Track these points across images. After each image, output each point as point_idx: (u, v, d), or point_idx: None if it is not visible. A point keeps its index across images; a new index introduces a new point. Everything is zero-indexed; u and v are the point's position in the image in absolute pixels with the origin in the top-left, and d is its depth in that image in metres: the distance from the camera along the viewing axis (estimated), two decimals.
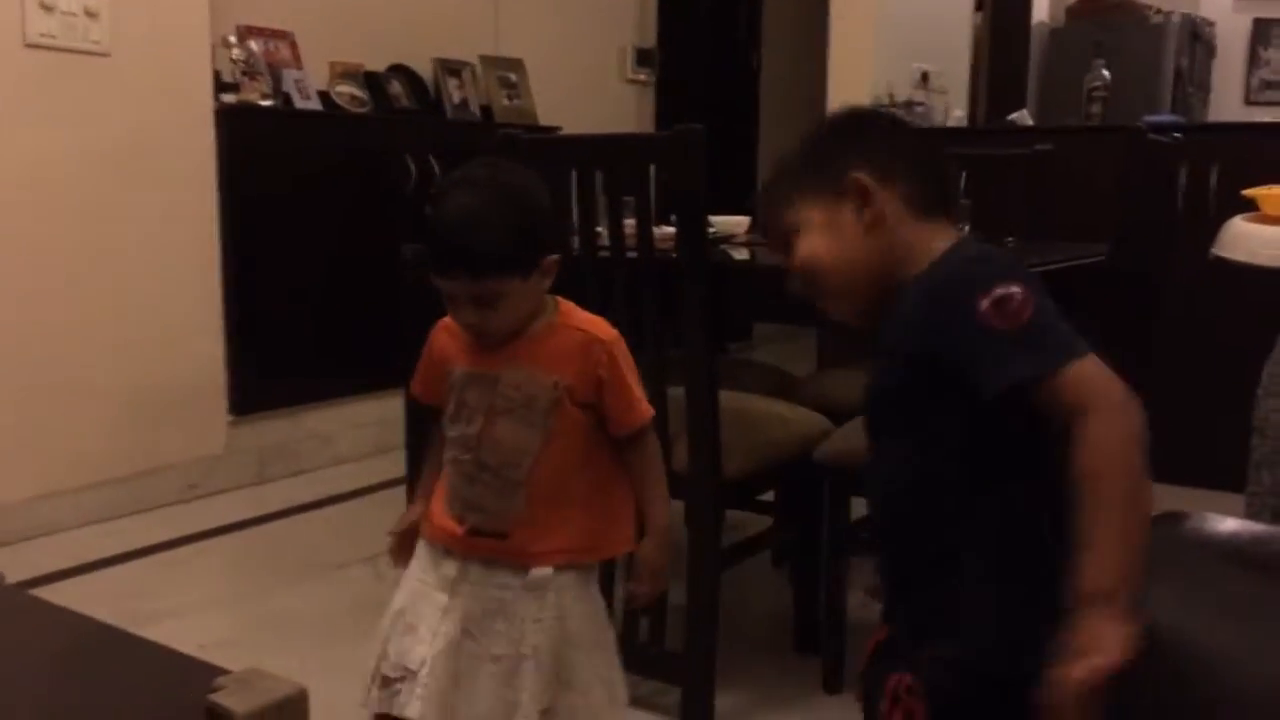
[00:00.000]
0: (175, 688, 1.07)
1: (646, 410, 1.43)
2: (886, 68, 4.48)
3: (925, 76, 4.53)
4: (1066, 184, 2.73)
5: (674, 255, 1.82)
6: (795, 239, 1.11)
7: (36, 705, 1.03)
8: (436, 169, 3.75)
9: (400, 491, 2.33)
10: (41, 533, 2.78)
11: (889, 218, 1.07)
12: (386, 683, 1.41)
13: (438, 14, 4.17)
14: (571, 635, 1.42)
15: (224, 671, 1.07)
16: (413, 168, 3.70)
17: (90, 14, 2.87)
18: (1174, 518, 1.48)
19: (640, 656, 1.99)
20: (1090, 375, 0.94)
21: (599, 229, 1.90)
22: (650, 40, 5.25)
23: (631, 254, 1.84)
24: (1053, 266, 2.02)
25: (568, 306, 1.44)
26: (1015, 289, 0.96)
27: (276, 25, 3.59)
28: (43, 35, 2.79)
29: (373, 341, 3.54)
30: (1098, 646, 0.85)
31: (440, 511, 1.46)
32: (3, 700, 1.14)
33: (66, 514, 2.85)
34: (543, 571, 1.40)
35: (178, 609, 2.37)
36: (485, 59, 4.30)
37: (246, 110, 3.31)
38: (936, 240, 1.08)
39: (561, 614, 1.41)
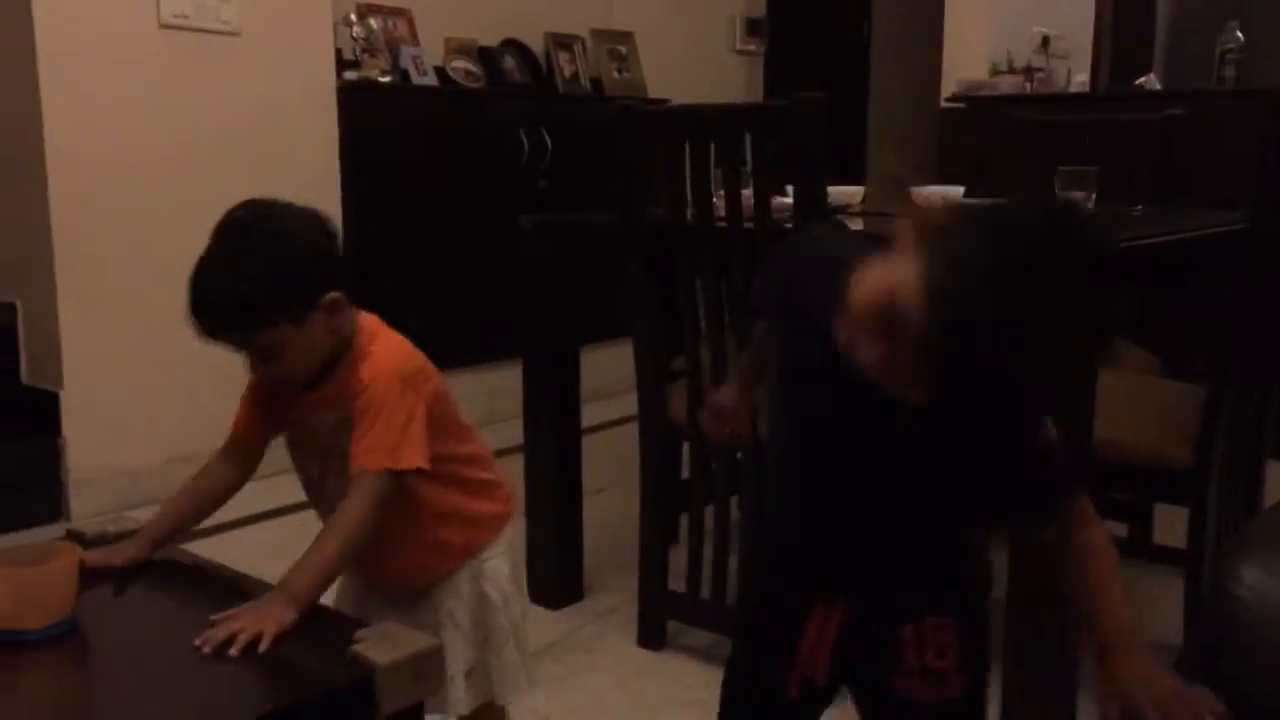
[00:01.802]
0: (319, 639, 1.13)
1: (377, 461, 1.26)
2: (1004, 33, 4.35)
3: (1046, 41, 4.39)
4: (1201, 150, 2.63)
5: (789, 226, 1.81)
6: None
7: (192, 651, 1.09)
8: (549, 142, 3.79)
9: (515, 460, 2.37)
10: None
11: None
12: None
13: None
14: (486, 598, 1.45)
15: (364, 625, 1.12)
16: (525, 141, 3.74)
17: None
18: None
19: (702, 610, 2.03)
20: (1086, 500, 1.07)
21: (715, 199, 1.90)
22: (760, 10, 5.20)
23: (747, 224, 1.84)
24: (1179, 236, 1.95)
25: (367, 336, 1.35)
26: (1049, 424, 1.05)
27: (394, 3, 3.66)
28: (176, 16, 2.90)
29: (486, 312, 3.61)
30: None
31: None
32: (152, 642, 1.21)
33: None
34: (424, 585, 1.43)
35: None
36: (596, 32, 4.31)
37: (367, 86, 3.39)
38: None
39: (476, 576, 1.44)
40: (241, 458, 1.43)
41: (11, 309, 2.91)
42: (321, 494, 1.40)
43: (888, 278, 0.91)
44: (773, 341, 1.19)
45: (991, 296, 0.86)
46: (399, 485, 1.29)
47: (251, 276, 1.24)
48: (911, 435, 1.01)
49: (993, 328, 0.87)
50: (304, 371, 1.32)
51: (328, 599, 1.29)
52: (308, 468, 1.41)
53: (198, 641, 1.09)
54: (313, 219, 1.33)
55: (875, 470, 1.07)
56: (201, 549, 1.39)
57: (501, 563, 1.47)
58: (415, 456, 1.29)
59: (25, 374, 2.91)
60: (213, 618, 1.12)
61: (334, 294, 1.30)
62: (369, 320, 1.38)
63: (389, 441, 1.28)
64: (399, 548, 1.37)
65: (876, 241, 0.99)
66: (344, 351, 1.34)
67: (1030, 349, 0.90)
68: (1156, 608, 2.13)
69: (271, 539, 2.57)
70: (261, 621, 1.12)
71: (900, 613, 1.12)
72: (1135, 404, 2.00)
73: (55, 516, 2.75)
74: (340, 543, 1.24)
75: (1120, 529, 2.40)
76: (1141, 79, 3.95)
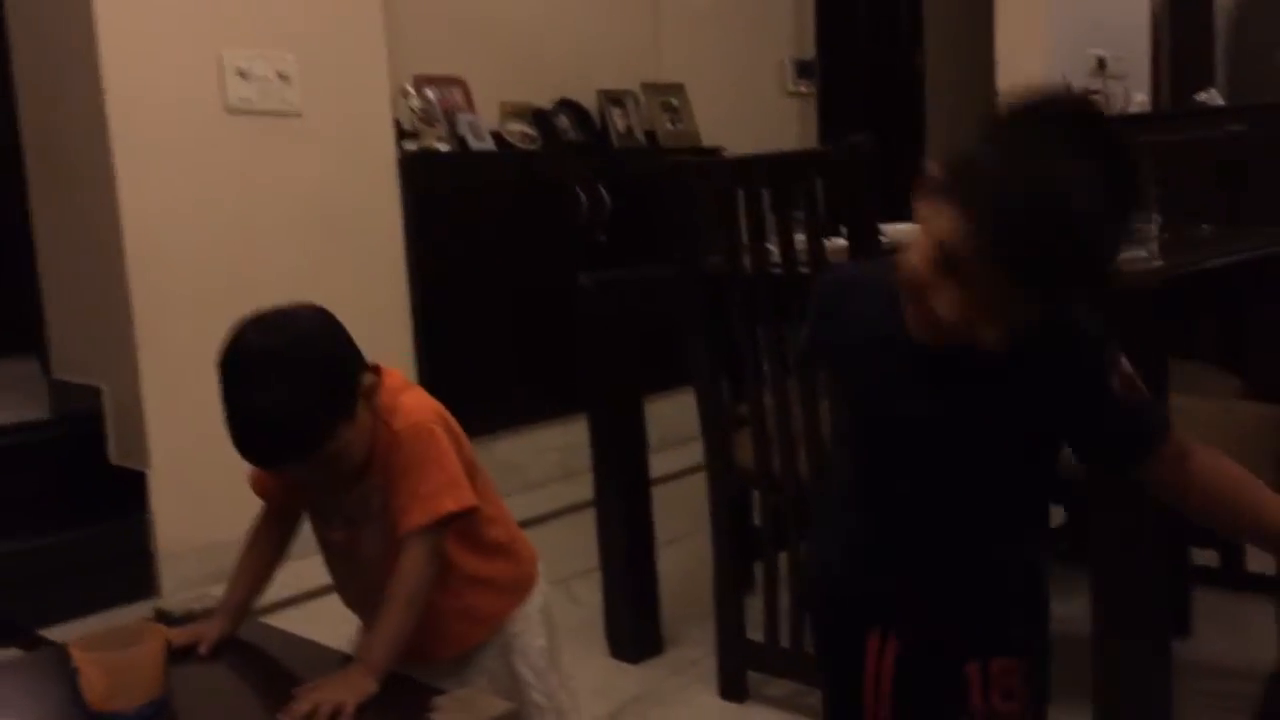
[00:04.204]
0: (395, 706, 1.15)
1: (418, 518, 1.26)
2: (1058, 57, 4.32)
3: (1101, 63, 4.35)
4: (1265, 166, 2.57)
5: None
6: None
7: None
8: (606, 197, 3.84)
9: (588, 515, 2.39)
10: None
11: None
12: None
13: (600, 47, 4.27)
14: (517, 675, 1.43)
15: (439, 692, 1.14)
16: (583, 198, 3.80)
17: (283, 78, 3.08)
18: None
19: (782, 659, 2.00)
20: (1179, 437, 1.06)
21: (769, 246, 1.91)
22: (809, 51, 5.23)
23: (803, 268, 1.84)
24: (1250, 256, 1.90)
25: (389, 395, 1.31)
26: (1122, 358, 1.04)
27: (450, 73, 3.75)
28: (241, 100, 3.01)
29: (554, 368, 3.65)
30: None
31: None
32: (239, 716, 1.24)
33: None
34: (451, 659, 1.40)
35: None
36: (647, 86, 4.37)
37: (426, 156, 3.48)
38: None
39: (505, 652, 1.43)
40: (281, 520, 1.45)
41: (98, 393, 3.01)
42: (353, 563, 1.37)
43: (927, 236, 0.97)
44: (836, 378, 1.21)
45: (1034, 188, 0.90)
46: (445, 536, 1.30)
47: (307, 399, 1.22)
48: (992, 397, 1.03)
49: (1027, 199, 0.90)
50: (361, 458, 1.30)
51: None
52: (333, 535, 1.38)
53: (281, 716, 1.11)
54: (315, 311, 1.30)
55: (951, 455, 1.06)
56: (282, 621, 1.42)
57: (533, 636, 1.45)
58: (466, 496, 1.29)
59: (113, 454, 3.01)
60: (295, 691, 1.15)
61: (369, 377, 1.29)
62: (392, 376, 1.36)
63: (436, 489, 1.27)
64: (429, 616, 1.31)
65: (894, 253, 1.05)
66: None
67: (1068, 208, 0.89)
68: (1249, 635, 2.06)
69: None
70: (343, 693, 1.14)
71: (963, 648, 1.09)
72: (1217, 429, 1.95)
73: (147, 592, 2.83)
74: (407, 605, 1.24)
75: (1211, 558, 2.33)
76: (1202, 94, 3.89)
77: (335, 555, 1.41)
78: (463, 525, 1.33)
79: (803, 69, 5.16)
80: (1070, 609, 1.88)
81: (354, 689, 1.15)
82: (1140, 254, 1.84)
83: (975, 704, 1.08)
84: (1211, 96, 3.90)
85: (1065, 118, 0.94)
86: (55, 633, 2.55)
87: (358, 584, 1.39)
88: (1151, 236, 2.08)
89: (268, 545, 1.44)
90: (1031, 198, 0.90)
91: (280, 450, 1.25)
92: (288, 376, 1.21)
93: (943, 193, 0.95)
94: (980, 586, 1.10)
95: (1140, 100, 4.32)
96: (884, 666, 1.11)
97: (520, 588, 1.47)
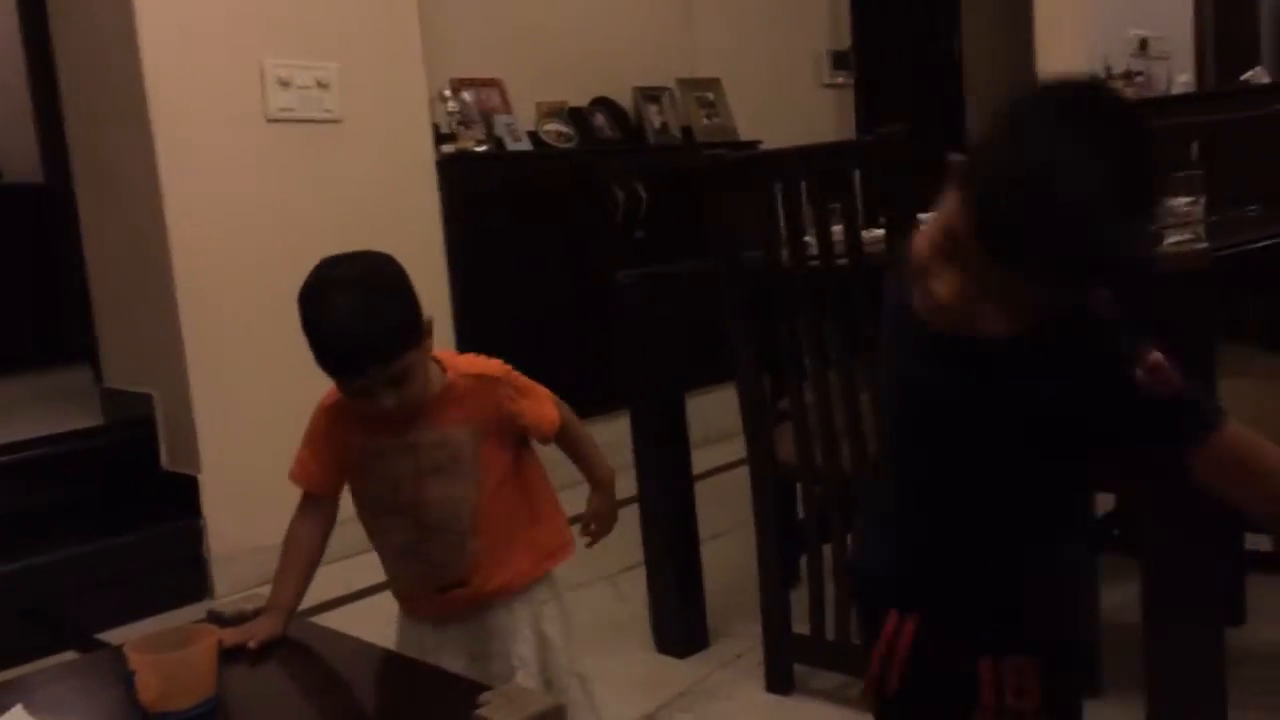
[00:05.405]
0: (442, 703, 1.16)
1: (554, 412, 1.55)
2: (1099, 39, 4.26)
3: (1144, 43, 4.28)
4: None
5: (886, 257, 1.80)
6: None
7: (319, 719, 1.13)
8: (643, 194, 3.84)
9: (632, 511, 2.40)
10: None
11: None
12: None
13: (634, 44, 4.28)
14: (547, 639, 1.52)
15: (486, 688, 1.15)
16: (620, 195, 3.80)
17: (322, 86, 3.12)
18: None
19: (828, 652, 1.97)
20: (1234, 429, 1.00)
21: (807, 238, 1.90)
22: (845, 42, 5.20)
23: (841, 260, 1.84)
24: None
25: (448, 359, 1.51)
26: (1157, 353, 0.98)
27: (486, 75, 3.78)
28: (282, 110, 3.05)
29: (593, 366, 3.66)
30: None
31: (399, 593, 1.58)
32: (290, 714, 1.26)
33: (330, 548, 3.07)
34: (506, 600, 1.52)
35: None
36: (683, 82, 4.37)
37: (464, 158, 3.50)
38: None
39: (535, 618, 1.52)
40: (321, 511, 1.55)
41: (148, 399, 3.07)
42: (418, 511, 1.47)
43: (938, 219, 0.98)
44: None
45: (1022, 173, 0.91)
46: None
47: (390, 312, 1.37)
48: (993, 381, 1.01)
49: (1012, 184, 0.91)
50: (425, 390, 1.42)
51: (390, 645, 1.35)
52: (401, 489, 1.47)
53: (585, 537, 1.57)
54: (386, 256, 1.45)
55: (963, 435, 1.05)
56: (328, 621, 1.44)
57: (555, 606, 1.55)
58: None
59: (165, 460, 3.07)
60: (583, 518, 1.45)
61: (429, 316, 1.42)
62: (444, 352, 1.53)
63: (545, 396, 1.55)
64: (503, 541, 1.48)
65: None
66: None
67: (1068, 218, 0.89)
68: None
69: (393, 608, 2.65)
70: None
71: (978, 643, 1.07)
72: (1266, 411, 1.92)
73: (200, 594, 2.88)
74: (595, 446, 1.65)
75: (1264, 543, 2.29)
76: (1248, 73, 3.82)
77: (391, 516, 1.49)
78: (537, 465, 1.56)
79: (839, 60, 5.13)
80: (1122, 596, 1.87)
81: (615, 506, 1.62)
82: (1186, 236, 1.81)
83: (985, 701, 1.06)
84: (1257, 75, 3.83)
85: (1081, 110, 0.93)
86: (111, 635, 2.61)
87: (418, 537, 1.48)
88: (1198, 218, 2.06)
89: (308, 542, 1.51)
90: (1018, 183, 0.91)
91: (360, 352, 1.35)
92: (365, 288, 1.37)
93: (957, 177, 0.97)
94: (998, 584, 1.09)
95: (1184, 80, 4.25)
96: (898, 646, 1.11)
97: (559, 553, 1.58)
